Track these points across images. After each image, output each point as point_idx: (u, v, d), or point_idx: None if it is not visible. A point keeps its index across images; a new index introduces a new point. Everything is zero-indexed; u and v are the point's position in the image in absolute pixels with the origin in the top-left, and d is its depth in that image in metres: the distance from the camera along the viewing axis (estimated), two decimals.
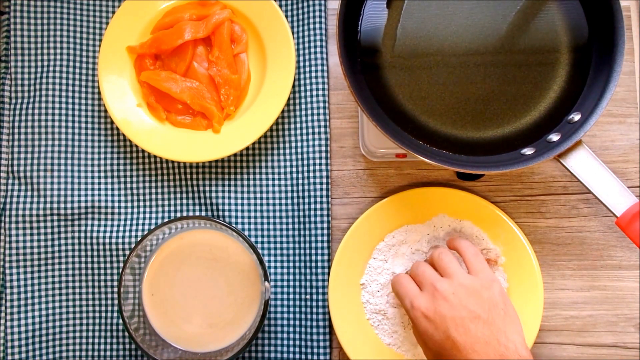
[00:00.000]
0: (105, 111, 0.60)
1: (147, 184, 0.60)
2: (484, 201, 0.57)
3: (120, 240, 0.58)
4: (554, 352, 0.58)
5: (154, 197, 0.60)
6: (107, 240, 0.58)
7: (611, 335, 0.58)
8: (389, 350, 0.56)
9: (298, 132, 0.60)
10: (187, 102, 0.58)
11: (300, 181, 0.59)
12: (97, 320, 0.59)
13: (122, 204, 0.60)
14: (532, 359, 0.43)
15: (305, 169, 0.59)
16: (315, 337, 0.57)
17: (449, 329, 0.44)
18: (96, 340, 0.58)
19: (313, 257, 0.58)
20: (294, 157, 0.60)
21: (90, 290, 0.59)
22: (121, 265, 0.58)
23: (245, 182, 0.60)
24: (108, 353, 0.58)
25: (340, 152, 0.60)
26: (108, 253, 0.59)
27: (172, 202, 0.60)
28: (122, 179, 0.60)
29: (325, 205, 0.58)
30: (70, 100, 0.60)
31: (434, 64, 0.53)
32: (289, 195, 0.59)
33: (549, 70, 0.52)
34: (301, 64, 0.60)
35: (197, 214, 0.60)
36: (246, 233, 0.59)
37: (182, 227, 0.56)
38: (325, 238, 0.58)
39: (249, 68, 0.59)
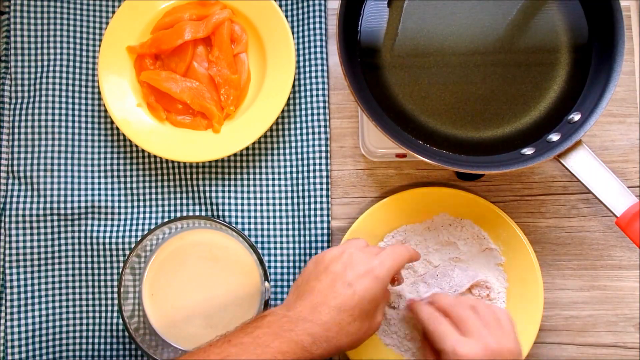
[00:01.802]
0: (105, 111, 0.60)
1: (147, 184, 0.60)
2: (484, 201, 0.57)
3: (120, 240, 0.58)
4: (554, 352, 0.58)
5: (154, 197, 0.60)
6: (107, 240, 0.58)
7: (611, 335, 0.58)
8: (389, 350, 0.56)
9: (298, 132, 0.60)
10: (187, 102, 0.58)
11: (300, 181, 0.59)
12: (97, 320, 0.59)
13: (122, 204, 0.60)
14: None
15: (305, 169, 0.59)
16: None
17: None
18: (96, 340, 0.58)
19: None
20: (294, 157, 0.60)
21: (90, 290, 0.59)
22: (121, 265, 0.58)
23: (245, 182, 0.60)
24: (108, 353, 0.58)
25: (340, 152, 0.60)
26: (108, 253, 0.59)
27: (172, 202, 0.60)
28: (122, 179, 0.60)
29: (325, 205, 0.58)
30: (70, 100, 0.60)
31: (434, 63, 0.53)
32: (289, 195, 0.59)
33: (549, 70, 0.52)
34: (301, 63, 0.60)
35: (197, 214, 0.60)
36: (246, 233, 0.59)
37: (182, 227, 0.56)
38: (325, 238, 0.58)
39: (248, 68, 0.59)
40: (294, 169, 0.60)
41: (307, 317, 0.43)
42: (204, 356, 0.41)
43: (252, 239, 0.59)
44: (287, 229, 0.59)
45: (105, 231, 0.59)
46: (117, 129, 0.60)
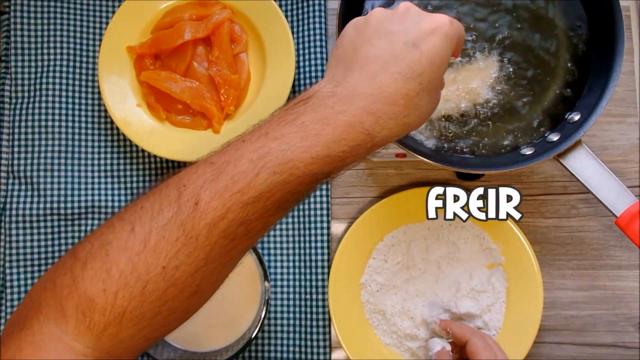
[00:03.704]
0: (105, 111, 0.60)
1: (147, 184, 0.60)
2: None
3: None
4: (554, 352, 0.58)
5: None
6: None
7: (611, 334, 0.58)
8: (389, 350, 0.56)
9: None
10: (187, 102, 0.58)
11: None
12: None
13: (122, 204, 0.60)
14: None
15: None
16: (315, 336, 0.57)
17: None
18: None
19: (313, 257, 0.58)
20: None
21: None
22: None
23: None
24: None
25: None
26: None
27: None
28: (122, 179, 0.60)
29: (325, 205, 0.58)
30: (70, 100, 0.60)
31: None
32: None
33: (549, 70, 0.52)
34: (301, 63, 0.60)
35: None
36: None
37: None
38: (325, 238, 0.58)
39: (248, 68, 0.59)
40: None
41: (365, 90, 0.34)
42: (237, 155, 0.33)
43: None
44: (287, 229, 0.59)
45: None
46: (117, 129, 0.60)
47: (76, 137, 0.60)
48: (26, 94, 0.59)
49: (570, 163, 0.48)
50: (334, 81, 0.35)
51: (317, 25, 0.59)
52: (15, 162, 0.59)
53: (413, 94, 0.34)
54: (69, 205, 0.58)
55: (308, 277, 0.58)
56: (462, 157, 0.51)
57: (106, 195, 0.60)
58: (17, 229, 0.58)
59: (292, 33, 0.59)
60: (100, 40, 0.60)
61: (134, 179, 0.60)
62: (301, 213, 0.59)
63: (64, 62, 0.60)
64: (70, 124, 0.60)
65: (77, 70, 0.60)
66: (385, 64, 0.34)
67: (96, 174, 0.60)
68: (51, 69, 0.59)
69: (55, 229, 0.58)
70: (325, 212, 0.58)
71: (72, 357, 0.31)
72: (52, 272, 0.34)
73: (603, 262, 0.59)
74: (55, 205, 0.58)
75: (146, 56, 0.59)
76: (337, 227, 0.60)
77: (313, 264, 0.58)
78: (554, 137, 0.50)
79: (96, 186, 0.60)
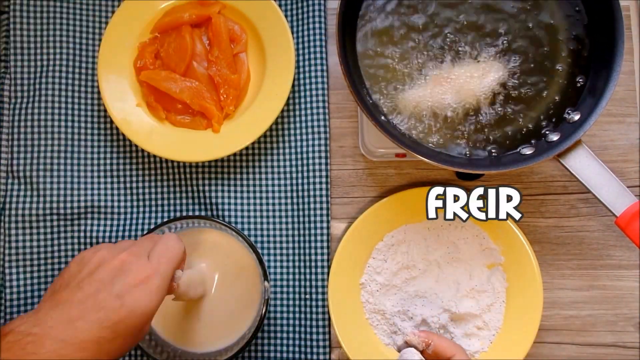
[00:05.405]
0: (105, 111, 0.60)
1: (146, 184, 0.60)
2: None
3: (119, 240, 0.58)
4: (554, 352, 0.58)
5: (153, 197, 0.60)
6: (106, 240, 0.58)
7: (610, 334, 0.58)
8: (388, 350, 0.56)
9: (298, 131, 0.60)
10: (187, 102, 0.58)
11: (300, 181, 0.59)
12: None
13: (122, 204, 0.60)
14: None
15: (305, 168, 0.59)
16: (315, 336, 0.57)
17: None
18: None
19: (313, 257, 0.58)
20: (293, 157, 0.60)
21: None
22: None
23: (245, 182, 0.60)
24: None
25: (339, 152, 0.60)
26: None
27: (172, 202, 0.60)
28: (121, 179, 0.60)
29: (325, 205, 0.58)
30: (70, 99, 0.60)
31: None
32: (289, 195, 0.59)
33: (549, 70, 0.52)
34: (301, 63, 0.60)
35: (197, 214, 0.60)
36: (246, 233, 0.59)
37: (182, 227, 0.56)
38: (325, 238, 0.58)
39: (248, 68, 0.59)
40: (294, 169, 0.60)
41: (59, 335, 0.37)
42: None
43: (252, 239, 0.59)
44: (287, 229, 0.59)
45: (105, 231, 0.59)
46: (117, 128, 0.60)
47: (76, 136, 0.60)
48: (26, 94, 0.59)
49: (570, 163, 0.48)
50: (36, 318, 0.38)
51: (317, 25, 0.59)
52: (15, 161, 0.59)
53: (105, 342, 0.38)
54: (68, 205, 0.58)
55: (308, 277, 0.58)
56: (462, 157, 0.51)
57: (106, 195, 0.59)
58: (17, 229, 0.58)
59: (292, 33, 0.59)
60: (100, 40, 0.60)
61: (134, 179, 0.60)
62: (301, 213, 0.59)
63: (64, 62, 0.60)
64: (69, 123, 0.60)
65: (77, 70, 0.60)
66: (84, 311, 0.38)
67: (96, 174, 0.60)
68: (51, 68, 0.59)
69: (55, 229, 0.58)
70: (325, 212, 0.58)
71: None
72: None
73: (603, 262, 0.59)
74: (54, 205, 0.58)
75: (146, 55, 0.59)
76: (337, 227, 0.60)
77: (313, 264, 0.58)
78: (554, 137, 0.50)
79: (96, 186, 0.60)
